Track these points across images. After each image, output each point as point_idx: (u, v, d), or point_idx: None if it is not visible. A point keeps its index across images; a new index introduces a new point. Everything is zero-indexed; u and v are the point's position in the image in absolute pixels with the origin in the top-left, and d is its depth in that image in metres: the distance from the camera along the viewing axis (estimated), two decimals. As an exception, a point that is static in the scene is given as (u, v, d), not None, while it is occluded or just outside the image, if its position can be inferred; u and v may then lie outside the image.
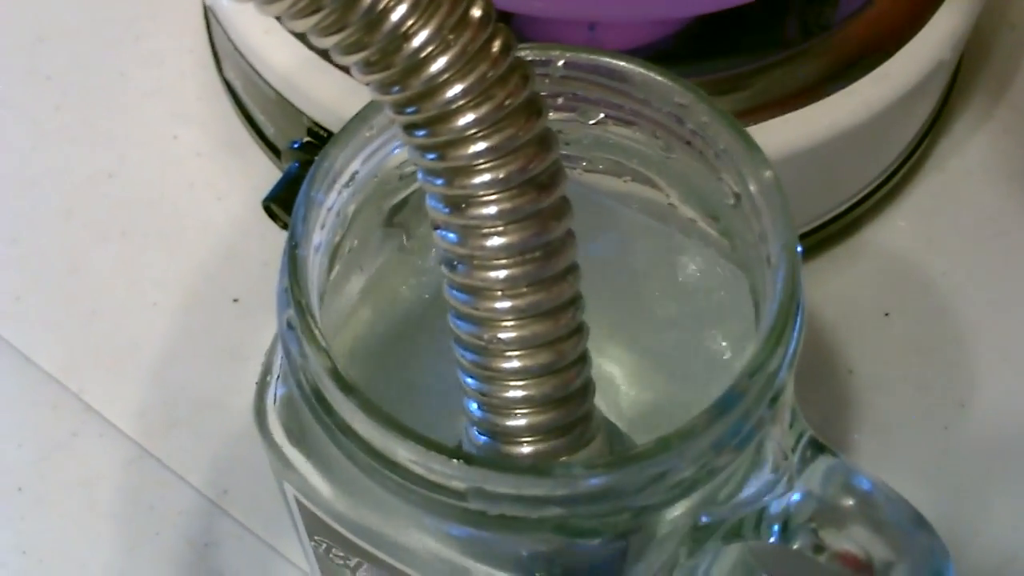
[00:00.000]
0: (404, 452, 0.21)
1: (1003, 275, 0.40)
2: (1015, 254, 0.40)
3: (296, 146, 0.37)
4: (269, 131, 0.40)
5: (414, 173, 0.24)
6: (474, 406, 0.23)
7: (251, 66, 0.38)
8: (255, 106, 0.40)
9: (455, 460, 0.20)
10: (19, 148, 0.42)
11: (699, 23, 0.35)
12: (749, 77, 0.36)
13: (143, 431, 0.37)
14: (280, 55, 0.36)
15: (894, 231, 0.40)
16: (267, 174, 0.40)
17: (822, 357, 0.38)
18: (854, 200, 0.39)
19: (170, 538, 0.36)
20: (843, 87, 0.36)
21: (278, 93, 0.37)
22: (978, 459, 0.37)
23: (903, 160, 0.40)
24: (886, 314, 0.39)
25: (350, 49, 0.21)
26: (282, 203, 0.36)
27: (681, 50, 0.36)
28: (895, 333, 0.39)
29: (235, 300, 0.39)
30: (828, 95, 0.35)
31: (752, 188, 0.23)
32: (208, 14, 0.42)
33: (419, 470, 0.21)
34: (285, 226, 0.36)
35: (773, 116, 0.35)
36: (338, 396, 0.21)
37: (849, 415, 0.38)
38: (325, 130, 0.36)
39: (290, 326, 0.22)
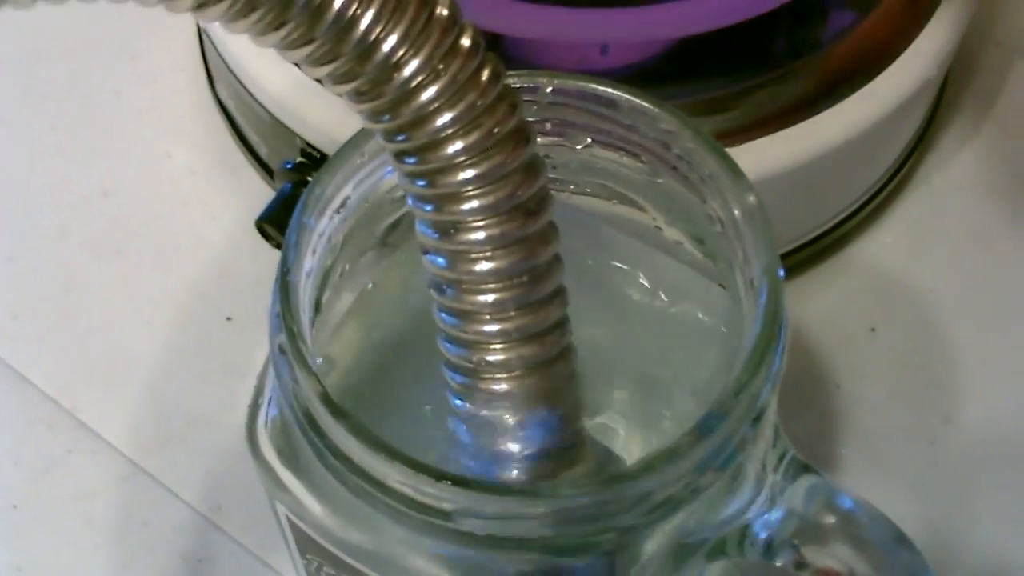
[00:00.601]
0: (393, 474, 0.21)
1: (989, 290, 0.40)
2: (1001, 269, 0.40)
3: (289, 166, 0.37)
4: (262, 151, 0.40)
5: (405, 196, 0.24)
6: (463, 427, 0.24)
7: (244, 87, 0.38)
8: (248, 126, 0.40)
9: (443, 482, 0.21)
10: (15, 166, 0.43)
11: (687, 43, 0.36)
12: (737, 97, 0.36)
13: (137, 448, 0.38)
14: (273, 76, 0.37)
15: (881, 247, 0.41)
16: (260, 193, 0.41)
17: (809, 372, 0.39)
18: (841, 217, 0.40)
19: (164, 554, 0.36)
20: (831, 106, 0.36)
21: (271, 114, 0.37)
22: (965, 473, 0.38)
23: (890, 177, 0.41)
24: (872, 329, 0.39)
25: (342, 79, 0.21)
26: (275, 223, 0.36)
27: (669, 70, 0.36)
28: (882, 348, 0.39)
29: (228, 318, 0.40)
30: (816, 114, 0.36)
31: (736, 212, 0.24)
32: (202, 34, 0.42)
33: (408, 491, 0.21)
34: (278, 245, 0.37)
35: (762, 135, 0.36)
36: (329, 420, 0.21)
37: (836, 430, 0.38)
38: (318, 150, 0.36)
39: (282, 351, 0.22)
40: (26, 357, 0.39)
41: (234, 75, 0.38)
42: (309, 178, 0.36)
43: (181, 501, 0.37)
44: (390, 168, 0.26)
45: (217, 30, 0.38)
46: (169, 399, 0.38)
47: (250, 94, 0.38)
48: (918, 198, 0.42)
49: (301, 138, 0.37)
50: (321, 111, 0.36)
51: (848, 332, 0.39)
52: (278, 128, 0.37)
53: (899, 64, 0.37)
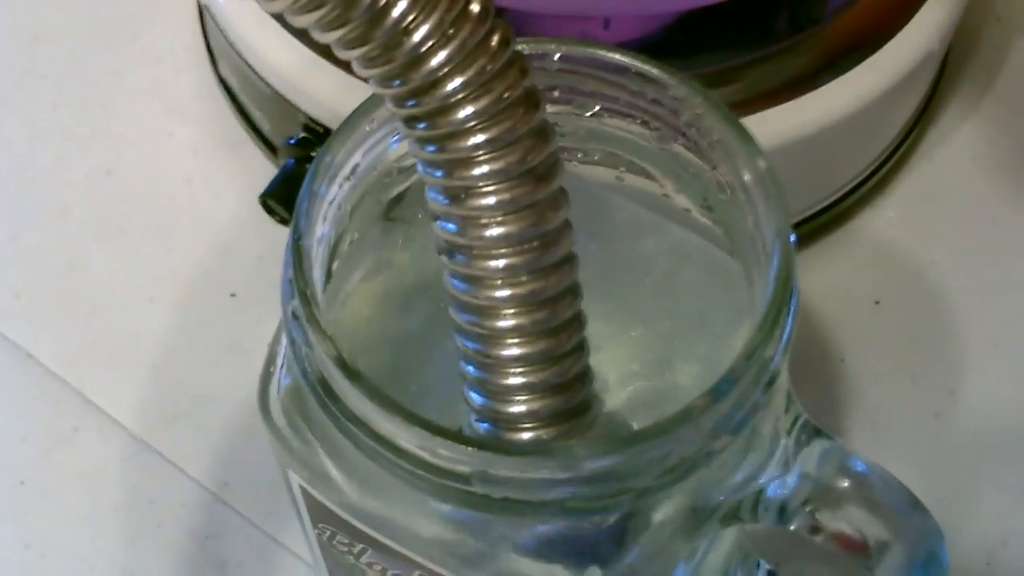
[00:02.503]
0: (409, 437, 0.21)
1: (992, 263, 0.40)
2: (1003, 242, 0.41)
3: (292, 142, 0.37)
4: (265, 127, 0.40)
5: (412, 166, 0.24)
6: (475, 394, 0.24)
7: (247, 63, 0.38)
8: (251, 103, 0.40)
9: (460, 444, 0.21)
10: (17, 146, 0.43)
11: (691, 16, 0.36)
12: (741, 69, 0.36)
13: (143, 425, 0.38)
14: (276, 52, 0.37)
15: (884, 220, 0.41)
16: (263, 170, 0.41)
17: (814, 346, 0.39)
18: (844, 190, 0.40)
19: (172, 530, 0.36)
20: (834, 79, 0.36)
21: (274, 90, 0.37)
22: (968, 446, 0.38)
23: (892, 150, 0.41)
24: (876, 303, 0.39)
25: (352, 44, 0.21)
26: (279, 198, 0.36)
27: (673, 43, 0.36)
28: (886, 321, 0.39)
29: (232, 295, 0.40)
30: (819, 87, 0.36)
31: (746, 178, 0.24)
32: (203, 12, 0.42)
33: (424, 455, 0.21)
34: (282, 221, 0.37)
35: (765, 108, 0.36)
36: (344, 384, 0.21)
37: (840, 403, 0.38)
38: (321, 126, 0.36)
39: (295, 316, 0.22)
40: (31, 335, 0.39)
41: (237, 52, 0.38)
42: (312, 153, 0.36)
43: (188, 477, 0.37)
44: (398, 136, 0.26)
45: (219, 5, 0.38)
46: (174, 376, 0.38)
47: (253, 70, 0.38)
48: (921, 172, 0.42)
49: (304, 113, 0.37)
50: (324, 86, 0.36)
51: (852, 305, 0.39)
52: (281, 104, 0.37)
53: (901, 37, 0.37)
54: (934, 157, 0.42)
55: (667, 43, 0.36)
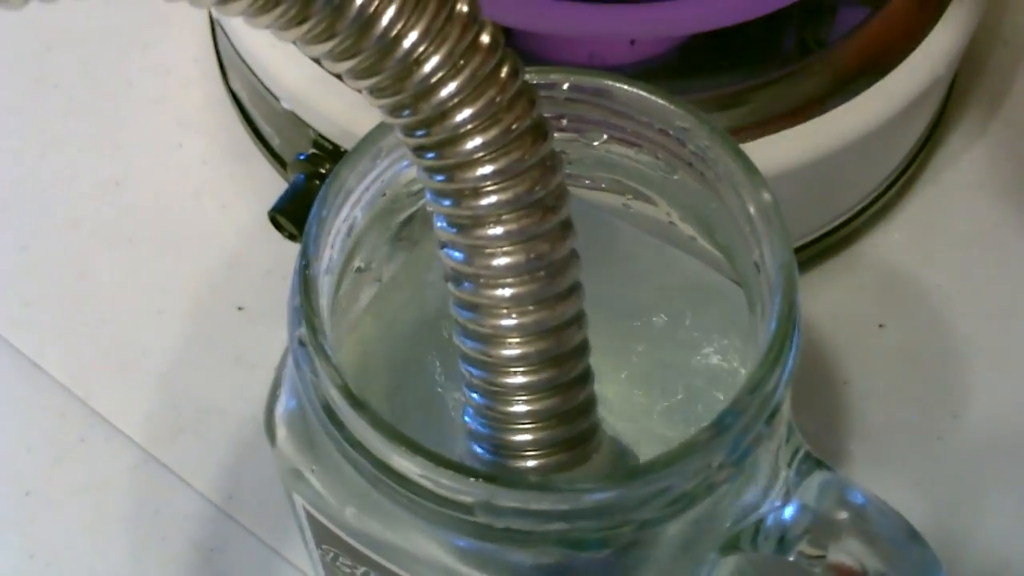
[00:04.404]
0: (413, 467, 0.21)
1: (997, 287, 0.40)
2: (1009, 266, 0.41)
3: (302, 158, 0.37)
4: (275, 142, 0.41)
5: (421, 190, 0.24)
6: (477, 421, 0.24)
7: (258, 78, 0.38)
8: (261, 117, 0.41)
9: (464, 475, 0.21)
10: (27, 156, 0.43)
11: (699, 39, 0.36)
12: (747, 94, 0.36)
13: (149, 437, 0.38)
14: (287, 68, 0.37)
15: (889, 243, 0.41)
16: (272, 184, 0.41)
17: (817, 367, 0.39)
18: (850, 213, 0.40)
19: (176, 543, 0.36)
20: (841, 103, 0.36)
21: (284, 106, 0.37)
22: (971, 468, 0.38)
23: (899, 174, 0.41)
24: (881, 325, 0.40)
25: (362, 74, 0.22)
26: (288, 214, 0.36)
27: (679, 66, 0.36)
28: (890, 344, 0.39)
29: (240, 308, 0.40)
30: (826, 111, 0.36)
31: (751, 210, 0.24)
32: (215, 26, 0.42)
33: (428, 484, 0.21)
34: (291, 236, 0.37)
35: (772, 132, 0.36)
36: (349, 412, 0.22)
37: (843, 425, 0.38)
38: (331, 142, 0.37)
39: (301, 343, 0.23)
40: (38, 345, 0.39)
41: (247, 66, 0.38)
42: (322, 170, 0.37)
43: (193, 490, 0.37)
44: (407, 162, 0.26)
45: (231, 22, 0.38)
46: (181, 388, 0.39)
47: (263, 85, 0.38)
48: (927, 195, 0.42)
49: (314, 130, 0.37)
50: (335, 103, 0.36)
51: (856, 328, 0.39)
52: (291, 120, 0.38)
53: (909, 62, 0.37)
54: (940, 181, 0.42)
55: (674, 65, 0.36)
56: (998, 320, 0.40)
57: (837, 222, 0.40)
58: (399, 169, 0.26)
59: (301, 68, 0.36)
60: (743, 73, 0.36)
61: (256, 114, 0.41)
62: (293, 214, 0.37)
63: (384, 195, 0.26)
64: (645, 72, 0.36)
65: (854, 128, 0.36)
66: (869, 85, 0.37)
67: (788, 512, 0.24)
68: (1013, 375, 0.39)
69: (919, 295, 0.40)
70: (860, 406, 0.38)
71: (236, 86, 0.42)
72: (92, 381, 0.39)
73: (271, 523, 0.36)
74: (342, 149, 0.36)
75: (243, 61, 0.39)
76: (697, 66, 0.36)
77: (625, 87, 0.25)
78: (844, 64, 0.37)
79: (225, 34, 0.39)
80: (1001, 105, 0.44)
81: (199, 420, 0.38)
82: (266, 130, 0.41)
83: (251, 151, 0.42)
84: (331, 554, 0.27)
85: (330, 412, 0.22)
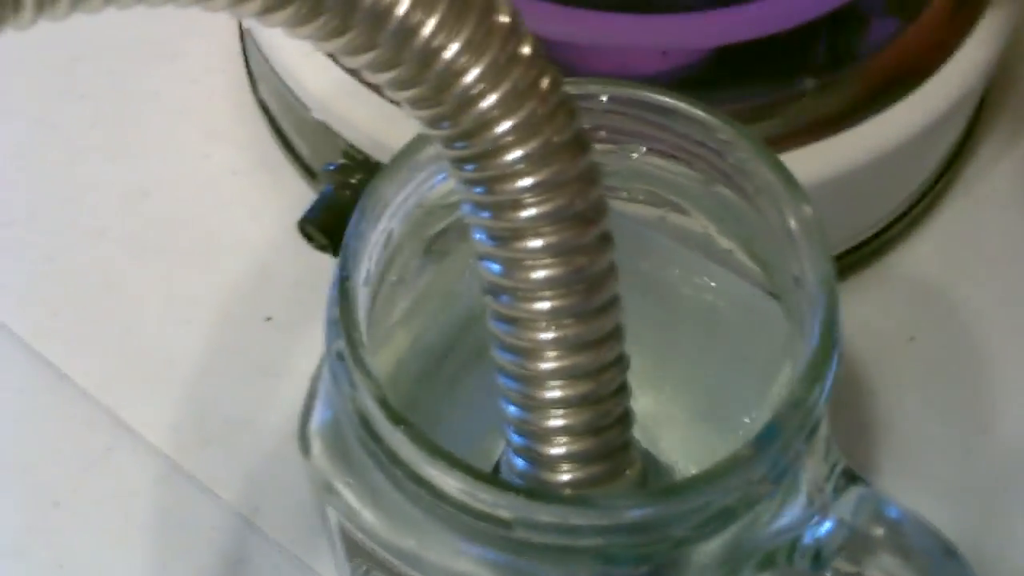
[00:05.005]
0: (452, 481, 0.21)
1: (1028, 301, 0.40)
2: (1040, 281, 0.40)
3: (332, 168, 0.37)
4: (304, 152, 0.41)
5: (456, 202, 0.24)
6: (514, 433, 0.24)
7: (287, 87, 0.38)
8: (290, 127, 0.41)
9: (503, 491, 0.21)
10: (55, 166, 0.43)
11: (728, 50, 0.36)
12: (777, 106, 0.36)
13: (176, 447, 0.38)
14: (317, 78, 0.37)
15: (920, 257, 0.41)
16: (301, 194, 0.41)
17: (847, 380, 0.39)
18: (881, 226, 0.40)
19: (203, 554, 0.36)
20: (873, 115, 0.36)
21: (314, 115, 0.37)
22: (1001, 484, 0.37)
23: (930, 187, 0.41)
24: (912, 339, 0.39)
25: (402, 85, 0.22)
26: (317, 225, 0.36)
27: (710, 77, 0.36)
28: (920, 358, 0.39)
29: (268, 318, 0.40)
30: (858, 123, 0.36)
31: (791, 224, 0.24)
32: (244, 35, 0.42)
33: (466, 499, 0.21)
34: (321, 247, 0.37)
35: (803, 144, 0.36)
36: (387, 426, 0.22)
37: (871, 438, 0.38)
38: (362, 152, 0.37)
39: (340, 357, 0.23)
40: (66, 355, 0.39)
41: (277, 76, 0.38)
42: (352, 180, 0.37)
43: (220, 501, 0.37)
44: (443, 174, 0.26)
45: (261, 31, 0.38)
46: (208, 398, 0.39)
47: (293, 95, 0.38)
48: (957, 208, 0.42)
49: (344, 139, 0.37)
50: (365, 113, 0.36)
51: (887, 341, 0.39)
52: (321, 129, 0.37)
53: (942, 75, 0.37)
54: (971, 193, 0.42)
55: (704, 77, 0.36)
56: (1029, 334, 0.40)
57: (867, 235, 0.40)
58: (436, 181, 0.26)
59: (332, 78, 0.36)
60: (773, 85, 0.36)
61: (285, 124, 0.41)
62: (323, 224, 0.36)
63: (420, 207, 0.26)
64: (676, 83, 0.36)
65: (885, 141, 0.36)
66: (901, 97, 0.36)
67: (824, 527, 0.24)
68: (1043, 391, 0.39)
69: (950, 308, 0.40)
70: (888, 419, 0.38)
71: (265, 96, 0.42)
72: (119, 391, 0.39)
73: (298, 535, 0.36)
74: (373, 159, 0.36)
75: (273, 71, 0.39)
76: (728, 77, 0.36)
77: (664, 99, 0.25)
78: (876, 76, 0.36)
79: (256, 44, 0.39)
80: (1032, 118, 0.43)
81: (226, 431, 0.38)
82: (295, 140, 0.41)
83: (279, 162, 0.42)
84: (363, 568, 0.26)
85: (367, 425, 0.22)
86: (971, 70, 0.37)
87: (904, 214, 0.40)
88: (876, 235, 0.40)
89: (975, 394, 0.39)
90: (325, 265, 0.37)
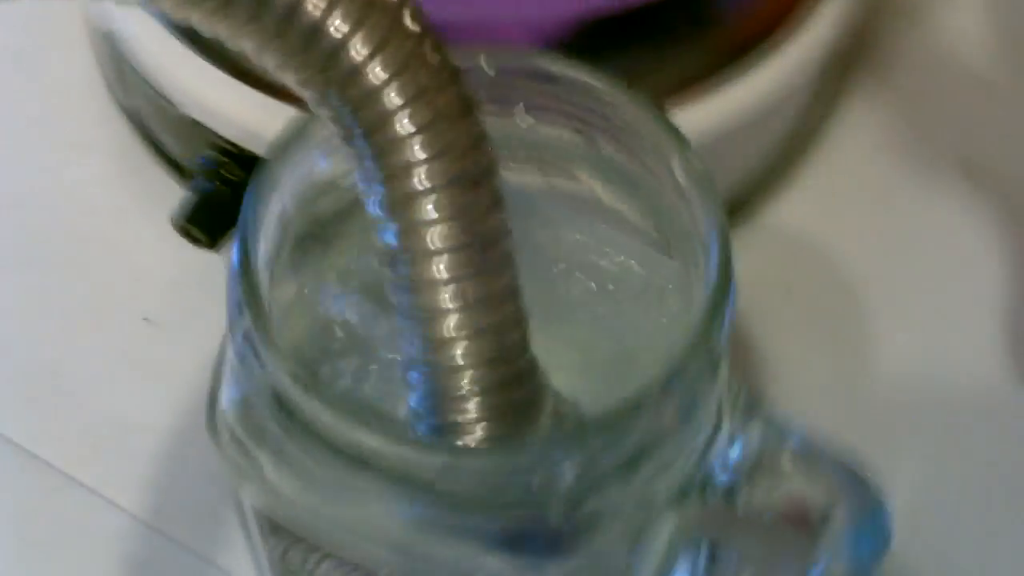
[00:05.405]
0: (372, 444, 0.21)
1: (895, 247, 0.42)
2: (906, 227, 0.42)
3: (203, 162, 0.37)
4: (172, 149, 0.40)
5: (349, 179, 0.24)
6: (421, 401, 0.24)
7: (150, 85, 0.38)
8: (156, 125, 0.40)
9: (424, 446, 0.21)
10: (-87, 184, 0.42)
11: (592, 23, 0.36)
12: (642, 71, 0.36)
13: (66, 459, 0.37)
14: (181, 72, 0.36)
15: (791, 210, 0.42)
16: (171, 192, 0.40)
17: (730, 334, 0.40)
18: (751, 183, 0.41)
19: (106, 562, 0.36)
20: (737, 76, 0.37)
21: (180, 111, 0.37)
22: (884, 423, 0.39)
23: (797, 143, 0.42)
24: (789, 289, 0.41)
25: (288, 62, 0.22)
26: (196, 221, 0.36)
27: (573, 45, 0.37)
28: (798, 306, 0.40)
29: (145, 319, 0.39)
30: (722, 84, 0.37)
31: (681, 179, 0.25)
32: (100, 39, 0.42)
33: (387, 458, 0.21)
34: (199, 242, 0.36)
35: (668, 108, 0.36)
36: (302, 397, 0.22)
37: (759, 389, 0.39)
38: (232, 144, 0.36)
39: (247, 337, 0.23)
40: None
41: (141, 76, 0.38)
42: (225, 172, 0.36)
43: (118, 508, 0.36)
44: (327, 155, 0.26)
45: (122, 29, 0.38)
46: (95, 406, 0.38)
47: (158, 92, 0.37)
48: (826, 163, 0.43)
49: (215, 133, 0.36)
50: (233, 104, 0.36)
51: (765, 293, 0.40)
52: (188, 124, 0.37)
53: (805, 30, 0.38)
54: (839, 147, 0.43)
55: (570, 44, 0.36)
56: (900, 275, 0.41)
57: (739, 192, 0.41)
58: (326, 161, 0.26)
59: (199, 71, 0.36)
60: (635, 51, 0.36)
61: (151, 123, 0.40)
62: (197, 218, 0.36)
63: (312, 186, 0.26)
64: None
65: (751, 100, 0.37)
66: (765, 56, 0.37)
67: (732, 458, 0.25)
68: (917, 328, 0.40)
69: (823, 258, 0.41)
70: (774, 367, 0.39)
71: (126, 98, 0.41)
72: (2, 408, 0.38)
73: (202, 533, 0.36)
74: (246, 151, 0.36)
75: (135, 70, 0.38)
76: (589, 45, 0.37)
77: (548, 64, 0.25)
78: (738, 36, 0.37)
79: (116, 47, 0.39)
80: (895, 72, 0.45)
81: (117, 437, 0.37)
82: (162, 138, 0.40)
83: (146, 162, 0.42)
84: (281, 547, 0.26)
85: (280, 401, 0.22)
86: (835, 25, 0.38)
87: (774, 170, 0.41)
88: (747, 192, 0.41)
89: (853, 337, 0.40)
90: (201, 263, 0.36)
